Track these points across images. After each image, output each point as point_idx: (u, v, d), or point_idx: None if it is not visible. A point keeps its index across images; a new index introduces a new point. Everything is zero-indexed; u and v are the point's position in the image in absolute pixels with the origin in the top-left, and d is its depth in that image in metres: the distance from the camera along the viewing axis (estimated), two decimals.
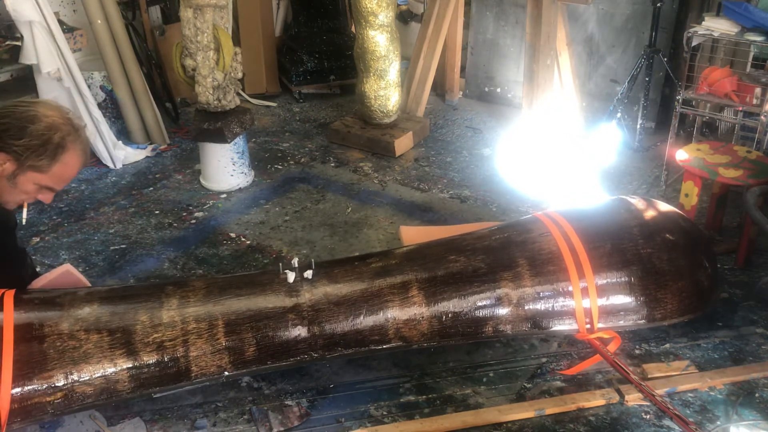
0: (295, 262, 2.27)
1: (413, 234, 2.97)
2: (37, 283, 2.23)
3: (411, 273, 2.24)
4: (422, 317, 2.18)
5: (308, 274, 2.22)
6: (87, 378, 1.92)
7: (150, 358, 1.98)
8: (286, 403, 2.21)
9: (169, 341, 2.01)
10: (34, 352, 1.90)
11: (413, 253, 2.38)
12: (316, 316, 2.12)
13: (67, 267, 2.33)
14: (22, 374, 1.87)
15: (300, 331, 2.10)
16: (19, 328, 1.93)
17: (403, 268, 2.27)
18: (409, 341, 2.20)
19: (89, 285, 2.33)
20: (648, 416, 2.14)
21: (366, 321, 2.15)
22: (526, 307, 2.23)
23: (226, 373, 2.06)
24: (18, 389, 1.86)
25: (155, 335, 2.00)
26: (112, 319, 2.02)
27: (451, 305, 2.20)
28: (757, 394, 2.22)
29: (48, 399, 1.89)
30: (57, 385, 1.90)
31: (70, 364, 1.91)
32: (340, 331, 2.13)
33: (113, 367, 1.95)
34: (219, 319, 2.06)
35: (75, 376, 1.91)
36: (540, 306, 2.24)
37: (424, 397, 2.24)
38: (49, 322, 1.97)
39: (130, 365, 1.97)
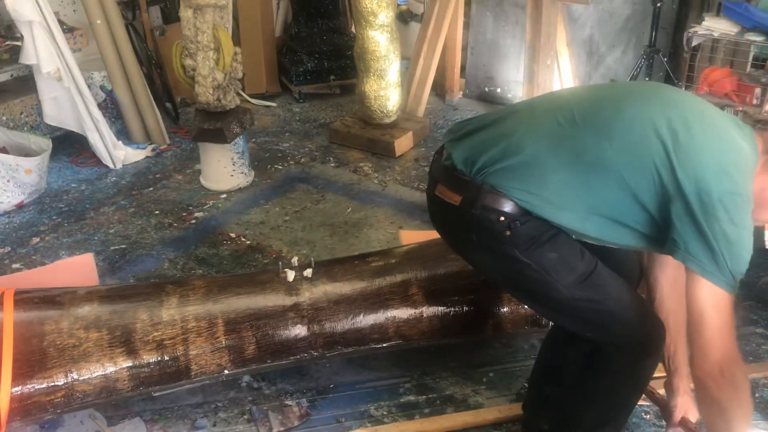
0: (295, 261, 2.27)
1: (413, 238, 2.97)
2: (58, 265, 2.63)
3: (411, 272, 2.24)
4: (422, 316, 2.18)
5: (308, 272, 2.22)
6: (87, 377, 1.92)
7: (150, 357, 1.98)
8: (286, 403, 2.21)
9: (168, 340, 2.00)
10: (34, 350, 1.90)
11: (413, 252, 2.38)
12: (315, 315, 2.12)
13: (90, 255, 2.68)
14: (21, 373, 1.86)
15: (300, 330, 2.10)
16: (19, 326, 1.93)
17: (403, 266, 2.27)
18: (409, 339, 2.20)
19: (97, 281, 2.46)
20: (648, 416, 2.14)
21: (366, 319, 2.15)
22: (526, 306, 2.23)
23: (226, 371, 2.06)
24: (18, 388, 1.85)
25: (155, 333, 2.00)
26: (112, 317, 2.02)
27: (451, 303, 2.20)
28: (757, 394, 2.22)
29: (48, 398, 1.89)
30: (57, 383, 1.89)
31: (70, 363, 1.91)
32: (340, 330, 2.13)
33: (113, 366, 1.95)
34: (219, 318, 2.06)
35: (75, 375, 1.91)
36: None
37: (424, 397, 2.25)
38: (48, 321, 1.97)
39: (130, 364, 1.96)
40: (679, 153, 1.44)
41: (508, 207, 1.53)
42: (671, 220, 1.44)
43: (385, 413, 2.18)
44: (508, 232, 1.54)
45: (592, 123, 1.55)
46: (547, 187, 1.52)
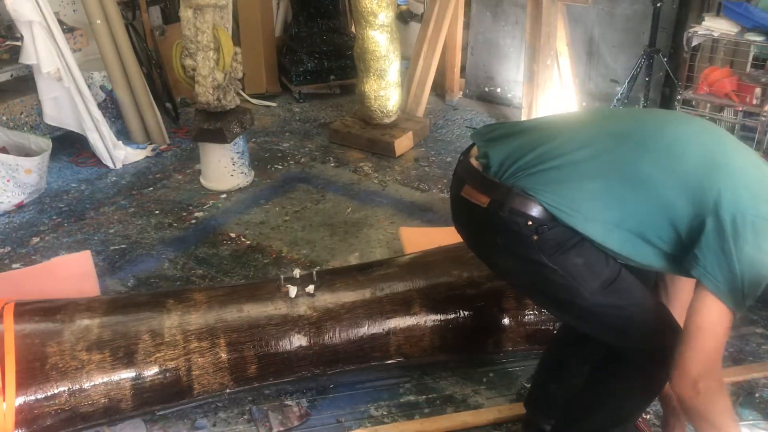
0: (297, 273, 2.26)
1: (413, 235, 2.97)
2: (55, 262, 2.74)
3: (413, 287, 2.23)
4: (424, 334, 2.17)
5: (310, 289, 2.20)
6: (90, 400, 1.92)
7: (152, 378, 1.98)
8: (286, 403, 2.21)
9: (171, 361, 2.00)
10: (37, 374, 1.90)
11: (415, 265, 2.36)
12: (317, 333, 2.11)
13: (87, 253, 2.78)
14: (25, 396, 1.87)
15: (302, 349, 2.10)
16: (21, 348, 1.92)
17: (405, 282, 2.25)
18: (410, 357, 2.20)
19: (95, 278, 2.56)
20: (647, 416, 2.13)
21: (368, 338, 2.14)
22: (528, 325, 2.22)
23: (228, 390, 2.07)
24: (21, 411, 1.86)
25: (157, 354, 2.00)
26: (114, 337, 2.01)
27: (453, 321, 2.18)
28: (757, 394, 2.22)
29: (52, 420, 1.89)
30: (60, 406, 1.90)
31: (73, 385, 1.91)
32: (341, 348, 2.13)
33: (116, 388, 1.95)
34: (221, 338, 2.06)
35: (78, 398, 1.91)
36: (541, 321, 2.23)
37: (424, 397, 2.25)
38: (50, 343, 1.96)
39: (133, 385, 1.97)
40: (720, 172, 1.45)
41: (535, 211, 1.51)
42: (698, 237, 1.42)
43: (385, 413, 2.18)
44: (535, 237, 1.52)
45: (633, 138, 1.56)
46: (578, 194, 1.51)
